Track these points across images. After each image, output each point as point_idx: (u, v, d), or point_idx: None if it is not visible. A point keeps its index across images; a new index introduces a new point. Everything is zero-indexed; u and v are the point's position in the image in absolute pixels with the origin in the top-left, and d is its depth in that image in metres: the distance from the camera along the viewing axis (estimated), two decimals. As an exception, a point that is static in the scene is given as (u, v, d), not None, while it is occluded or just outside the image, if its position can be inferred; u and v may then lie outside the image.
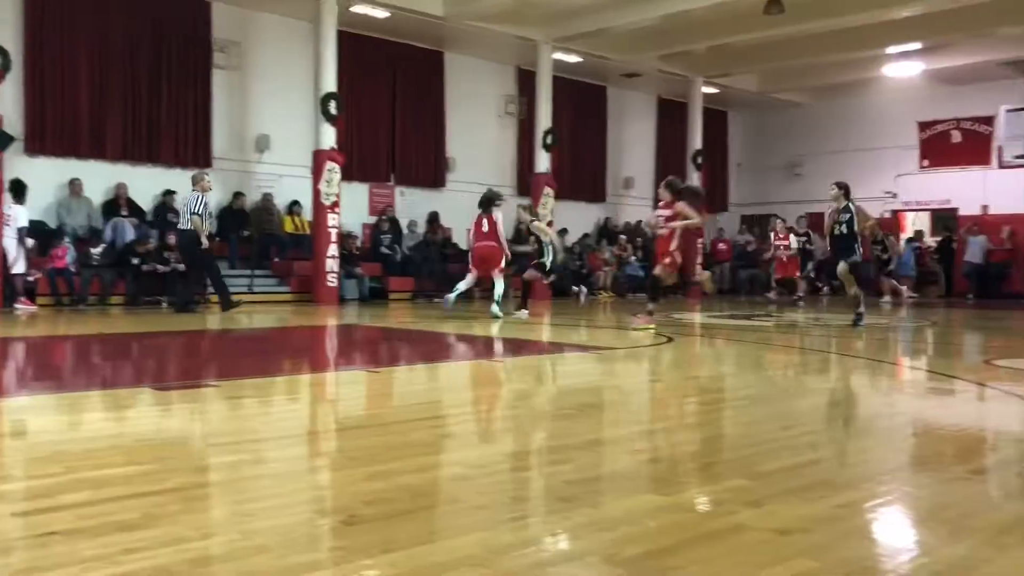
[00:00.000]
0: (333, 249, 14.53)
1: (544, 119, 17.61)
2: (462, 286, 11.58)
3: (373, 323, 11.43)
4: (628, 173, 22.04)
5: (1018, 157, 19.37)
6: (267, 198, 15.52)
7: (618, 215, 21.61)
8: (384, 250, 16.36)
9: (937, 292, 20.25)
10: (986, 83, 19.90)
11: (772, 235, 17.07)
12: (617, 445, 3.87)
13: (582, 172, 20.70)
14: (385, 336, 10.00)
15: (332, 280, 14.50)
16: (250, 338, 9.83)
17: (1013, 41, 17.52)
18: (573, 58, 18.31)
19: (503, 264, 11.40)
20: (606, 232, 20.86)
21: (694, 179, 20.51)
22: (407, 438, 3.85)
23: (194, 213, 11.79)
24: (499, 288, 11.24)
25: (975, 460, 3.71)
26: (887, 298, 16.65)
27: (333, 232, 14.54)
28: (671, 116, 22.23)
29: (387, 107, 17.26)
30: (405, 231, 17.09)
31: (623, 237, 20.24)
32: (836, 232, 10.43)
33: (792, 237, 16.65)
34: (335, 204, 14.53)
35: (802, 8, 15.15)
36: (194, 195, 11.90)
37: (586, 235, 20.40)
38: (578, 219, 20.35)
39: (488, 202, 11.31)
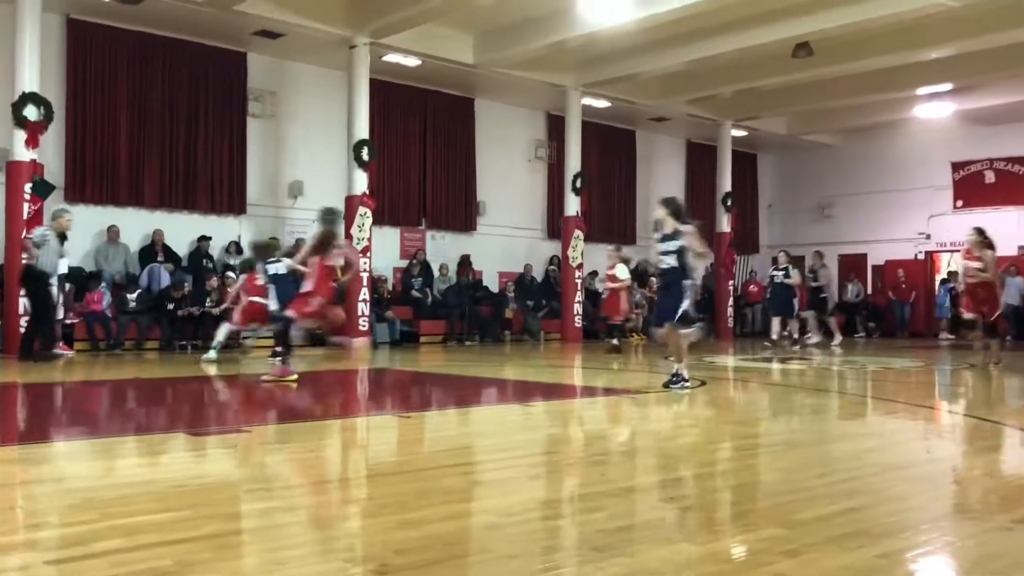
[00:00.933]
0: (364, 293, 14.64)
1: (573, 163, 17.73)
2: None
3: (404, 367, 11.45)
4: (658, 215, 22.01)
5: (1054, 197, 19.13)
6: (300, 243, 15.66)
7: (648, 257, 21.57)
8: (415, 293, 16.45)
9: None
10: (1019, 123, 19.73)
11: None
12: (650, 492, 3.83)
13: (611, 215, 20.74)
14: (416, 380, 10.01)
15: (363, 324, 14.58)
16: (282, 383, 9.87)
17: (1046, 81, 17.40)
18: (602, 103, 18.46)
19: None
20: (637, 274, 20.82)
21: (724, 221, 20.48)
22: (438, 484, 3.84)
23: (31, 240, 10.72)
24: None
25: (1020, 509, 3.61)
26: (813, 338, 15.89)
27: (364, 276, 14.65)
28: (700, 159, 22.27)
29: (418, 152, 17.48)
30: (436, 274, 17.19)
31: (654, 279, 20.18)
32: (663, 267, 7.84)
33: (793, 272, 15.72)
34: (366, 248, 14.67)
35: (830, 51, 15.18)
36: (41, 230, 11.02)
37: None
38: (607, 261, 20.29)
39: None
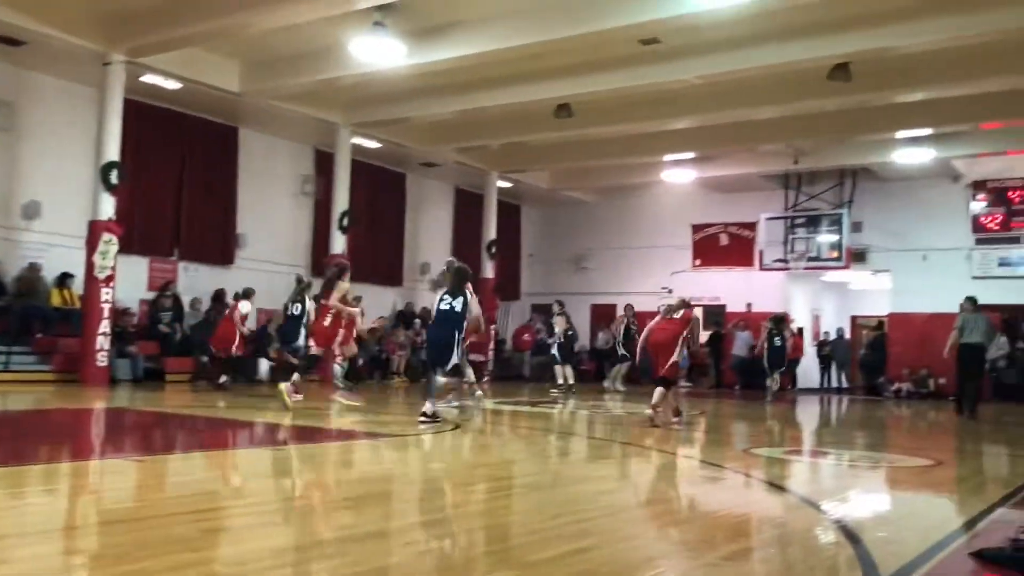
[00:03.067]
0: (105, 326, 13.57)
1: (341, 200, 17.54)
2: None
3: (145, 407, 10.71)
4: (425, 259, 22.29)
5: (776, 261, 21.36)
6: (33, 268, 14.34)
7: (414, 300, 21.71)
8: (163, 328, 15.46)
9: (708, 383, 21.65)
10: (750, 193, 21.96)
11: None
12: (394, 537, 3.81)
13: (379, 256, 20.71)
14: (158, 421, 9.38)
15: (102, 359, 13.48)
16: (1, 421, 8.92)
17: (773, 157, 19.53)
18: (373, 143, 18.47)
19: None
20: (403, 316, 20.85)
21: (488, 268, 21.05)
22: (166, 533, 3.61)
23: None
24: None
25: (732, 545, 3.94)
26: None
27: (106, 308, 13.60)
28: (468, 206, 22.83)
29: (174, 179, 16.58)
30: (187, 308, 16.26)
31: (418, 321, 20.30)
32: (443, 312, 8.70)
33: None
34: (110, 278, 13.64)
35: (589, 115, 16.18)
36: None
37: (381, 318, 20.27)
38: (374, 303, 20.21)
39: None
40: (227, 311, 14.15)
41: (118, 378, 14.01)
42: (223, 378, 13.41)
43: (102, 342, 13.46)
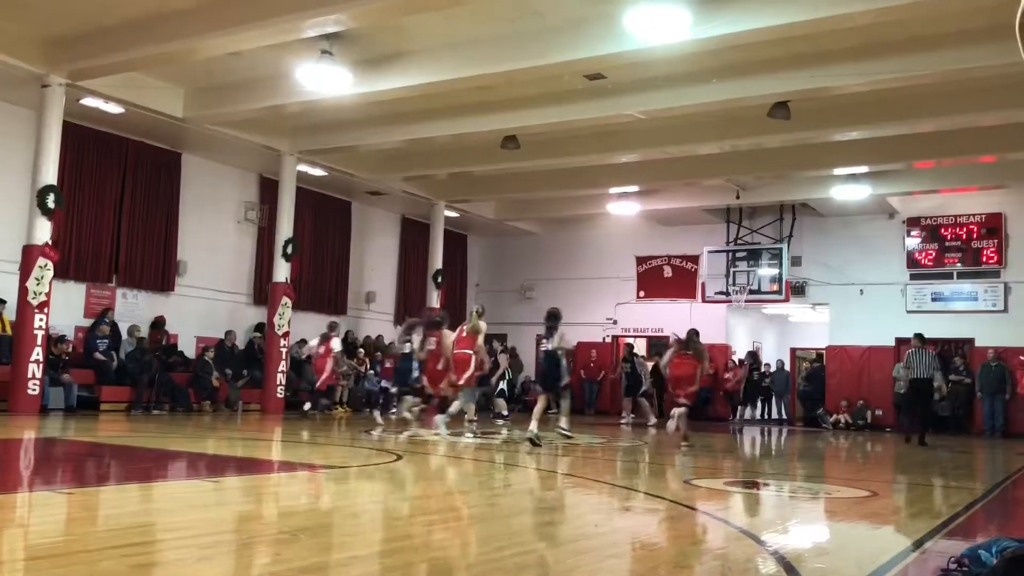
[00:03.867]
0: (38, 353, 13.18)
1: (285, 228, 17.37)
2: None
3: (78, 436, 10.39)
4: (370, 288, 22.16)
5: (718, 293, 21.70)
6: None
7: (358, 329, 21.53)
8: (99, 355, 15.06)
9: (652, 412, 21.74)
10: (693, 226, 22.33)
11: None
12: (332, 571, 3.74)
13: (323, 284, 20.54)
14: (91, 451, 9.11)
15: (34, 387, 13.08)
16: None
17: (715, 191, 19.92)
18: (318, 171, 18.37)
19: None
20: (345, 345, 20.62)
21: (434, 297, 20.98)
22: (93, 569, 3.49)
23: None
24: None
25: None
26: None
27: (39, 334, 13.22)
28: (414, 235, 22.81)
29: (113, 204, 16.25)
30: (125, 335, 15.88)
31: (362, 351, 20.11)
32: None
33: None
34: (43, 304, 13.28)
35: (535, 146, 16.35)
36: None
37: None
38: (316, 331, 19.97)
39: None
40: (322, 346, 15.93)
41: (50, 407, 13.61)
42: (307, 405, 15.83)
43: (34, 370, 13.08)
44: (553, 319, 11.56)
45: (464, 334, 11.90)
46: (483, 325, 11.90)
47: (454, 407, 11.92)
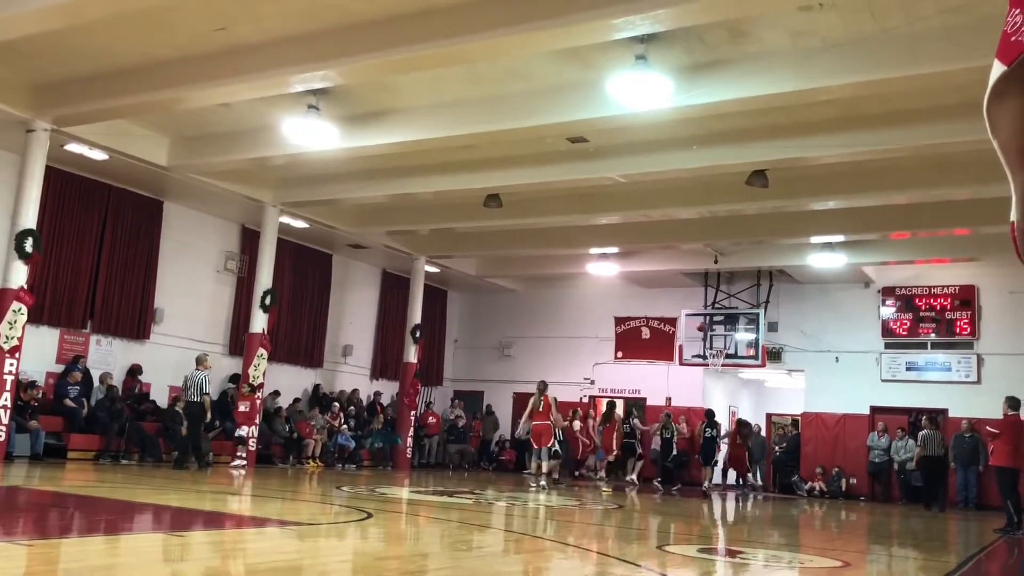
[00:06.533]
0: (6, 398, 12.96)
1: (264, 279, 17.32)
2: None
3: (42, 486, 10.18)
4: (348, 341, 22.05)
5: (695, 356, 21.75)
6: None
7: (333, 382, 21.37)
8: (69, 402, 14.84)
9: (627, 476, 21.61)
10: (671, 288, 22.49)
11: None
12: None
13: (300, 336, 20.44)
14: (54, 501, 8.92)
15: (0, 434, 12.84)
16: None
17: (694, 255, 20.11)
18: (300, 223, 18.41)
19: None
20: (318, 399, 20.45)
21: (411, 352, 20.90)
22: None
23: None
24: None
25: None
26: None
27: (9, 379, 13.02)
28: (394, 289, 22.81)
29: (92, 250, 16.18)
30: (97, 383, 15.67)
31: (336, 405, 19.94)
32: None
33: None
34: (15, 349, 13.11)
35: (517, 205, 16.51)
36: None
37: (297, 400, 19.87)
38: (291, 383, 19.86)
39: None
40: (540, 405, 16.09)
41: (15, 454, 13.35)
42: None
43: (1, 415, 12.85)
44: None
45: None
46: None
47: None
